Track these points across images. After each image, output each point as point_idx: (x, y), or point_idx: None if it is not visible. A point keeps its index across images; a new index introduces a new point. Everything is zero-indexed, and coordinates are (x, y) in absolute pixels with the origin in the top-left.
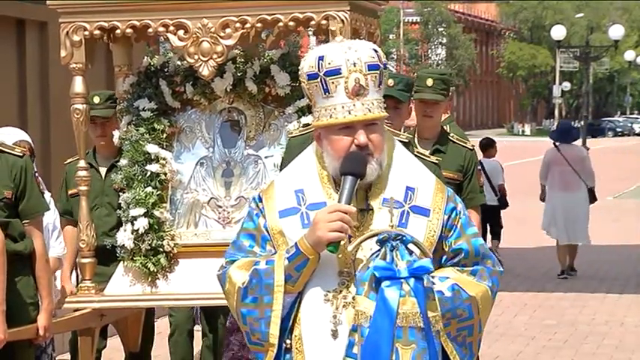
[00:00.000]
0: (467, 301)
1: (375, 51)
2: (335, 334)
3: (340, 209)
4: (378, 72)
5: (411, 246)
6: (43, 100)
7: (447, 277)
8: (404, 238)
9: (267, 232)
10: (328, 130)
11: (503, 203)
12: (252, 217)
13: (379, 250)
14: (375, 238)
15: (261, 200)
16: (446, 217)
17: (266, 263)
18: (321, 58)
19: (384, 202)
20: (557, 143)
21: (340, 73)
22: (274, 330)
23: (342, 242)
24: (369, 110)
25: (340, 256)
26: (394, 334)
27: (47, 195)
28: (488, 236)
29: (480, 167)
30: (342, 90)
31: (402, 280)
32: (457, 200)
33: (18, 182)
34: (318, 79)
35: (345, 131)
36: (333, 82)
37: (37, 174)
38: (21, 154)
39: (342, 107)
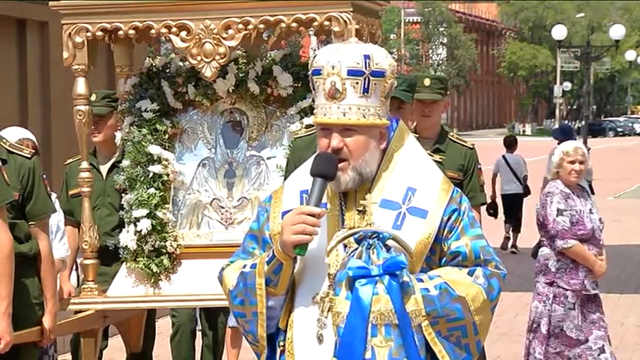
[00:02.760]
0: (455, 300)
1: (366, 57)
2: (320, 338)
3: (304, 212)
4: (360, 78)
5: (390, 242)
6: (43, 99)
7: (438, 276)
8: (381, 235)
9: (269, 235)
10: (317, 129)
11: (526, 191)
12: (259, 217)
13: (356, 250)
14: (353, 238)
15: (270, 201)
16: (445, 218)
17: (250, 266)
18: (314, 57)
19: (381, 204)
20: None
21: (321, 74)
22: (262, 332)
23: (329, 245)
24: (344, 114)
25: (328, 257)
26: (368, 332)
27: (53, 196)
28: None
29: (504, 161)
30: (321, 91)
31: (377, 278)
32: (462, 201)
33: (25, 184)
34: (310, 78)
35: (324, 132)
36: (316, 82)
37: (44, 176)
38: (29, 156)
39: (321, 108)
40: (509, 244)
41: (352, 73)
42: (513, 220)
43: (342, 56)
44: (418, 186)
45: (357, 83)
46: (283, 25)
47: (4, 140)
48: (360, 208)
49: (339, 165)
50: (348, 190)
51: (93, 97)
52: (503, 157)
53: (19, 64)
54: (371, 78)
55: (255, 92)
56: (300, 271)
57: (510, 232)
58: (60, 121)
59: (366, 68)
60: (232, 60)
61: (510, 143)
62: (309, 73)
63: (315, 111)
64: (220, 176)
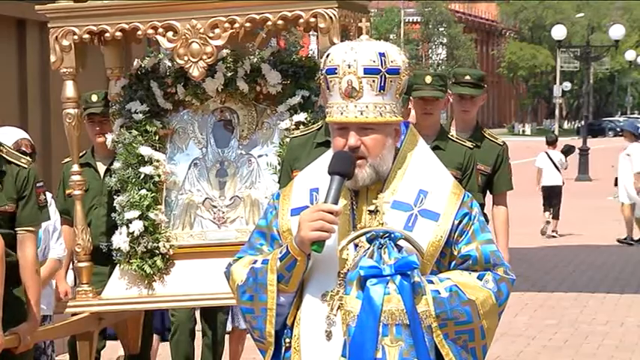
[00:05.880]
0: (465, 303)
1: (381, 55)
2: (329, 335)
3: (322, 209)
4: (377, 76)
5: (402, 242)
6: (43, 99)
7: (448, 278)
8: (392, 235)
9: (277, 231)
10: (331, 127)
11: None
12: (267, 214)
13: (368, 249)
14: (365, 237)
15: (278, 198)
16: (456, 222)
17: (262, 262)
18: (327, 55)
19: (393, 205)
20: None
21: (336, 73)
22: (270, 328)
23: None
24: (361, 113)
25: (340, 256)
26: (379, 332)
27: (48, 196)
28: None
29: (547, 157)
30: (337, 90)
31: (389, 278)
32: (473, 205)
33: (21, 192)
34: (322, 76)
35: (341, 131)
36: (331, 81)
37: (40, 184)
38: (26, 165)
39: (337, 107)
40: (550, 229)
41: (369, 71)
42: (554, 208)
43: (358, 55)
44: (430, 189)
45: (373, 81)
46: (270, 22)
47: (2, 148)
48: (372, 208)
49: (357, 162)
50: (363, 187)
51: (94, 98)
52: (546, 153)
53: (18, 64)
54: (387, 76)
55: (244, 91)
56: (309, 268)
57: (551, 220)
58: (59, 121)
59: (382, 66)
60: (220, 59)
61: (552, 141)
62: (323, 71)
63: (329, 110)
64: (212, 176)
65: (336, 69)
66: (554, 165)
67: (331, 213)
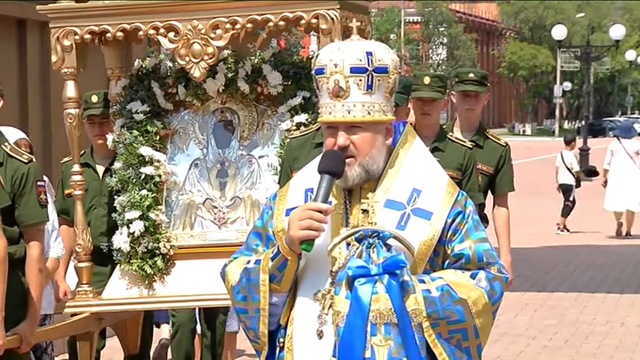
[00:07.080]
0: (457, 303)
1: (369, 54)
2: (320, 334)
3: (311, 207)
4: (363, 75)
5: (391, 241)
6: (43, 99)
7: (440, 277)
8: (381, 234)
9: (273, 232)
10: (322, 127)
11: (578, 183)
12: (263, 215)
13: (357, 249)
14: (354, 237)
15: (274, 198)
16: (449, 220)
17: (254, 262)
18: (317, 56)
19: (385, 204)
20: (619, 137)
21: (324, 73)
22: (263, 328)
23: (332, 240)
24: (349, 112)
25: (330, 255)
26: (368, 331)
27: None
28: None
29: (560, 157)
30: (325, 90)
31: (377, 278)
32: (467, 204)
33: (17, 188)
34: (313, 77)
35: (330, 131)
36: (320, 81)
37: (41, 184)
38: (26, 161)
39: (326, 107)
40: (560, 226)
41: (355, 70)
42: (564, 206)
43: (345, 54)
44: (423, 187)
45: (360, 80)
46: (271, 23)
47: (6, 144)
48: (365, 207)
49: (346, 160)
50: (354, 186)
51: (94, 99)
52: (561, 153)
53: (19, 64)
54: (374, 74)
55: (245, 91)
56: (302, 268)
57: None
58: (60, 121)
59: (368, 65)
60: (221, 60)
61: (568, 142)
62: (312, 72)
63: (319, 110)
64: (212, 176)
65: (323, 69)
66: (565, 165)
67: (320, 212)
